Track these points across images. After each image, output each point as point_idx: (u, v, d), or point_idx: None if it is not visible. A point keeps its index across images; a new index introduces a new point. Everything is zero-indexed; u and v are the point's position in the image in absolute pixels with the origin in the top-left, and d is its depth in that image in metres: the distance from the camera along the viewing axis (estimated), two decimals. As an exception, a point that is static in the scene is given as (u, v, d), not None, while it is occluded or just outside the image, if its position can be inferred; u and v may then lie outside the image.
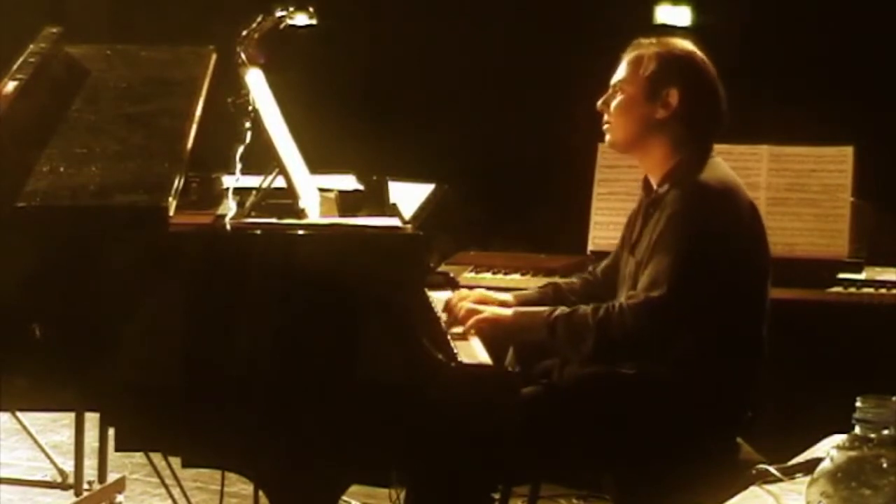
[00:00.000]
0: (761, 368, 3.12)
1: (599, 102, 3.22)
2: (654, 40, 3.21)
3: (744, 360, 3.07)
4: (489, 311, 3.20)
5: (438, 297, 3.33)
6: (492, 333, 3.16)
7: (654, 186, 3.18)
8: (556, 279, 3.61)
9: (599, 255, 3.81)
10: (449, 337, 3.04)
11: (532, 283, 3.91)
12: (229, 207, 2.92)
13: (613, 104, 3.19)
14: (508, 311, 3.20)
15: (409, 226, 3.09)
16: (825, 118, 4.45)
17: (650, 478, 2.94)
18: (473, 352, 3.06)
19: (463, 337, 3.13)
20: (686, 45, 3.22)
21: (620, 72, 3.21)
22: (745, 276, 3.07)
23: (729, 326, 3.01)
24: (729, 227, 3.04)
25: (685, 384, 2.98)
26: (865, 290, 3.94)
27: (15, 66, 3.14)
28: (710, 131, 3.19)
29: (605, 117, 3.21)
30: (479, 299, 3.30)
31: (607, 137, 3.25)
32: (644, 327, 2.95)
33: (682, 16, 5.64)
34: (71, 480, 4.26)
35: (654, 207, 3.13)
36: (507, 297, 3.40)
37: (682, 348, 2.98)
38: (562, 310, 3.07)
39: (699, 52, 3.21)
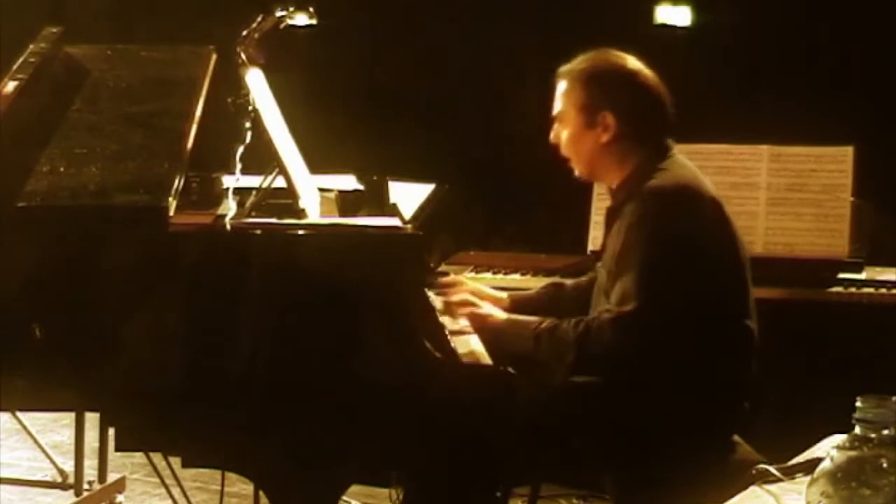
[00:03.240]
0: (753, 359, 3.10)
1: (552, 136, 3.23)
2: (573, 64, 3.20)
3: (733, 353, 3.06)
4: (485, 308, 3.21)
5: (438, 297, 3.33)
6: (480, 330, 3.18)
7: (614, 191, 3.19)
8: (560, 279, 3.62)
9: (599, 255, 3.81)
10: (449, 337, 3.04)
11: (532, 284, 3.90)
12: (229, 207, 2.92)
13: (563, 139, 3.20)
14: (502, 316, 3.20)
15: (409, 226, 3.09)
16: (825, 118, 4.45)
17: (650, 477, 2.94)
18: (470, 346, 3.07)
19: (460, 331, 3.15)
20: (603, 56, 3.20)
21: (556, 104, 3.22)
22: (718, 271, 3.06)
23: (711, 323, 3.00)
24: (689, 228, 3.03)
25: (677, 382, 2.97)
26: (865, 290, 3.93)
27: (15, 66, 3.14)
28: (659, 130, 3.17)
29: (562, 150, 3.22)
30: (475, 291, 3.31)
31: (575, 171, 3.25)
32: (622, 342, 2.94)
33: (682, 16, 5.63)
34: (71, 480, 4.26)
35: (613, 217, 3.15)
36: (503, 294, 3.40)
37: (666, 351, 2.97)
38: (548, 322, 3.08)
39: (617, 56, 3.19)
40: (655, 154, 3.13)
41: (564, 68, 3.21)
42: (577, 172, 3.25)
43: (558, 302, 3.34)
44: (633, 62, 3.18)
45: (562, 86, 3.20)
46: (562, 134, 3.20)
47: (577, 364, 3.01)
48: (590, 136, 3.15)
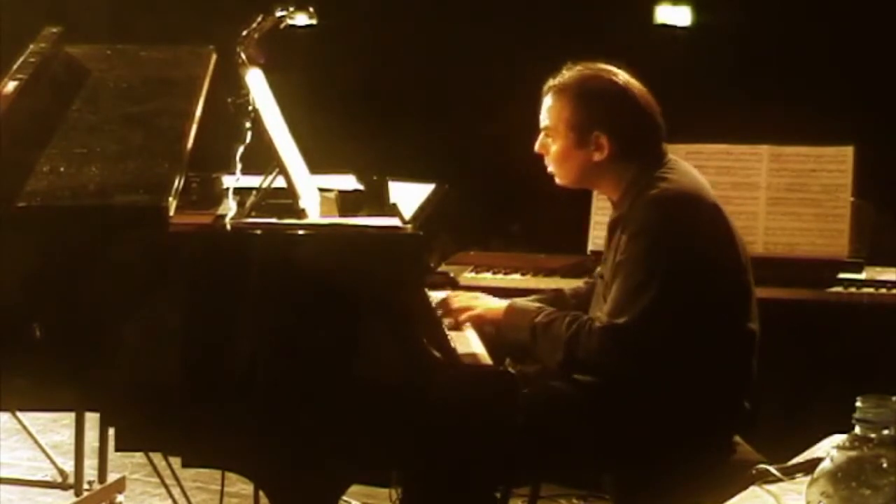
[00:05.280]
0: (754, 359, 3.10)
1: (537, 146, 3.19)
2: (562, 78, 3.14)
3: (734, 357, 3.05)
4: (481, 306, 3.23)
5: (438, 297, 3.33)
6: (481, 328, 3.19)
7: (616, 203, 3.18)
8: (562, 286, 3.63)
9: (599, 255, 3.81)
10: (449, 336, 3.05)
11: (532, 284, 3.91)
12: (229, 207, 2.92)
13: (552, 152, 3.15)
14: (501, 305, 3.20)
15: (409, 226, 3.09)
16: (825, 118, 4.45)
17: (650, 478, 2.94)
18: (469, 343, 3.07)
19: (458, 328, 3.16)
20: (593, 71, 3.14)
21: (544, 117, 3.17)
22: (719, 278, 3.04)
23: (712, 330, 2.99)
24: (690, 238, 3.01)
25: (677, 385, 2.97)
26: (865, 290, 3.94)
27: (15, 66, 3.15)
28: (653, 142, 3.15)
29: (546, 160, 3.19)
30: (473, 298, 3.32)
31: (556, 180, 3.22)
32: (608, 353, 2.94)
33: (682, 16, 5.64)
34: (71, 480, 4.26)
35: (615, 226, 3.13)
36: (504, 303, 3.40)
37: (657, 361, 2.96)
38: (546, 314, 3.07)
39: (607, 72, 3.14)
40: (652, 163, 3.10)
41: (553, 82, 3.16)
42: (559, 181, 3.21)
43: (561, 308, 3.33)
44: (622, 77, 3.13)
45: (549, 100, 3.16)
46: (550, 147, 3.16)
47: (564, 363, 3.01)
48: (581, 153, 3.11)
